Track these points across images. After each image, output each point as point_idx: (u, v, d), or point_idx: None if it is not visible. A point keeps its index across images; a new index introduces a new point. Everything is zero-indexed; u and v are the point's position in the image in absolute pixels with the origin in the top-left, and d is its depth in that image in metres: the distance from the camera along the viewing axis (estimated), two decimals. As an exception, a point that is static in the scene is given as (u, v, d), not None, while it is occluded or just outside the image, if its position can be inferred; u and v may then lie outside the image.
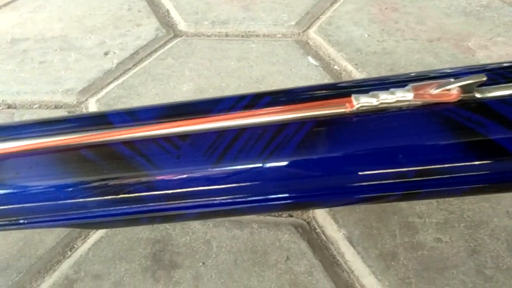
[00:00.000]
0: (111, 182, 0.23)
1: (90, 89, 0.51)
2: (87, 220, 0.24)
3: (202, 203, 0.23)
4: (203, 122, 0.23)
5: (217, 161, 0.22)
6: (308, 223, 0.36)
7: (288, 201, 0.22)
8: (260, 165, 0.22)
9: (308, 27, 0.59)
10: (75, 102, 0.50)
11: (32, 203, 0.23)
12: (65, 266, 0.34)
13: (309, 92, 0.24)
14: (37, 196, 0.23)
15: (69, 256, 0.35)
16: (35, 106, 0.50)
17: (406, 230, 0.35)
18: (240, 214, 0.31)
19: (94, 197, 0.23)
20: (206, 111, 0.24)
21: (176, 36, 0.59)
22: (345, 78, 0.51)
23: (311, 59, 0.54)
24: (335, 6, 0.63)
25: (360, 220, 0.36)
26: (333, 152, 0.21)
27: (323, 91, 0.24)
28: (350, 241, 0.34)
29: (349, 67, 0.52)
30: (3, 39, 0.60)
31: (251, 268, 0.33)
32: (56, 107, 0.50)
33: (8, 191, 0.23)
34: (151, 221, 0.24)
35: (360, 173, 0.21)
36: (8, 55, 0.57)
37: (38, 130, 0.25)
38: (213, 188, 0.22)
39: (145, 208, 0.23)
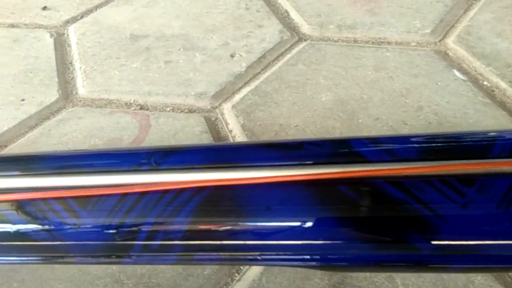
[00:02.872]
0: (376, 225, 0.20)
1: (223, 93, 0.49)
2: (333, 263, 0.21)
3: (483, 257, 0.20)
4: (490, 166, 0.20)
5: (515, 213, 0.19)
6: (497, 263, 0.33)
7: None
8: None
9: (444, 36, 0.55)
10: (208, 107, 0.48)
11: (278, 241, 0.21)
12: (238, 290, 0.32)
13: None
14: (285, 233, 0.21)
15: (239, 280, 0.33)
16: (168, 109, 0.48)
17: None
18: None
19: (353, 241, 0.21)
20: (479, 150, 0.21)
21: (300, 39, 0.56)
22: (498, 95, 0.47)
23: (457, 73, 0.50)
24: (470, 14, 0.58)
25: None
26: None
27: None
28: (558, 291, 0.31)
29: (502, 84, 0.48)
30: (122, 34, 0.60)
31: (447, 313, 0.30)
32: (190, 111, 0.48)
33: (255, 225, 0.21)
34: (406, 270, 0.22)
35: None
36: (130, 52, 0.56)
37: (271, 157, 0.23)
38: (503, 242, 0.20)
39: (414, 258, 0.20)
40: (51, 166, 0.24)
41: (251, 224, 0.21)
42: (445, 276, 0.32)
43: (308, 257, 0.21)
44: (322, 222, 0.20)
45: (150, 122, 0.47)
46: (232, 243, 0.22)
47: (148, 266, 0.34)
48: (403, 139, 0.22)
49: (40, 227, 0.22)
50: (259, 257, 0.22)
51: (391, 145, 0.21)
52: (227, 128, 0.45)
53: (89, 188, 0.23)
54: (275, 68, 0.52)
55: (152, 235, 0.22)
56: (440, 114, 0.45)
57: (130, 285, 0.33)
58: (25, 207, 0.23)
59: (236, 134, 0.44)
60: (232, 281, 0.33)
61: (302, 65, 0.52)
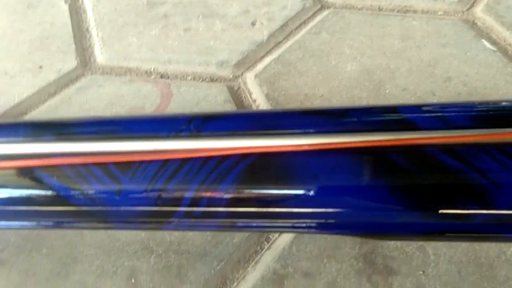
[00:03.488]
0: (429, 194, 0.20)
1: (245, 62, 0.48)
2: (382, 232, 0.21)
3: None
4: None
5: None
6: (529, 235, 0.33)
7: None
8: None
9: (472, 5, 0.53)
10: (231, 76, 0.47)
11: (326, 208, 0.21)
12: (268, 258, 0.32)
13: None
14: (333, 201, 0.21)
15: (268, 248, 0.33)
16: (189, 78, 0.48)
17: None
18: None
19: (404, 209, 0.20)
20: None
21: (323, 7, 0.55)
22: (529, 67, 0.46)
23: (486, 43, 0.48)
24: (499, -19, 0.56)
25: None
26: None
27: None
28: None
29: (533, 54, 0.47)
30: (139, 0, 0.58)
31: (480, 283, 0.30)
32: (211, 80, 0.47)
33: (301, 192, 0.21)
34: (457, 239, 0.22)
35: None
36: (148, 20, 0.55)
37: (317, 123, 0.22)
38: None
39: (466, 226, 0.20)
40: (89, 131, 0.24)
41: (297, 192, 0.21)
42: (477, 246, 0.32)
43: (355, 225, 0.21)
44: (372, 191, 0.20)
45: (171, 91, 0.46)
46: (277, 211, 0.21)
47: (177, 234, 0.34)
48: (455, 106, 0.21)
49: (80, 192, 0.22)
50: (304, 225, 0.22)
51: (443, 112, 0.21)
52: (251, 97, 0.45)
53: (129, 153, 0.22)
54: (297, 36, 0.51)
55: (195, 202, 0.22)
56: (470, 85, 0.44)
57: (160, 251, 0.33)
58: (65, 172, 0.23)
59: (260, 104, 0.44)
60: (261, 250, 0.33)
61: (326, 34, 0.51)
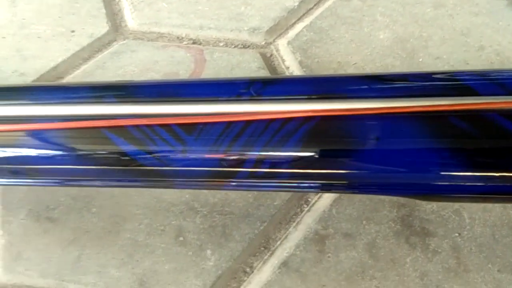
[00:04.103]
0: (490, 157, 0.21)
1: (276, 29, 0.48)
2: (441, 193, 0.22)
3: None
4: None
5: None
6: (560, 201, 0.34)
7: None
8: None
9: (506, -27, 0.53)
10: (263, 43, 0.47)
11: (386, 172, 0.22)
12: (309, 220, 0.34)
13: None
14: (394, 163, 0.22)
15: (308, 210, 0.35)
16: (221, 44, 0.48)
17: None
18: None
19: (464, 171, 0.21)
20: None
21: (353, -27, 0.54)
22: (562, 37, 0.46)
23: (519, 12, 0.48)
24: None
25: None
26: None
27: None
28: None
29: None
30: (165, -35, 0.57)
31: (513, 245, 0.32)
32: (244, 46, 0.47)
33: (363, 155, 0.22)
34: (509, 201, 0.23)
35: None
36: (176, -16, 0.54)
37: (376, 89, 0.23)
38: None
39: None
40: (150, 94, 0.25)
41: (359, 154, 0.22)
42: (510, 211, 0.33)
43: (416, 187, 0.22)
44: (432, 154, 0.21)
45: (204, 57, 0.46)
46: (338, 172, 0.22)
47: (219, 196, 0.35)
48: (513, 73, 0.22)
49: (147, 152, 0.23)
50: (363, 187, 0.23)
51: (501, 79, 0.21)
52: (284, 64, 0.45)
53: (193, 115, 0.23)
54: (329, 3, 0.50)
55: (259, 163, 0.23)
56: (503, 55, 0.44)
57: (205, 212, 0.35)
58: (131, 133, 0.23)
59: (294, 71, 0.44)
60: (301, 212, 0.35)
61: (358, 1, 0.50)
